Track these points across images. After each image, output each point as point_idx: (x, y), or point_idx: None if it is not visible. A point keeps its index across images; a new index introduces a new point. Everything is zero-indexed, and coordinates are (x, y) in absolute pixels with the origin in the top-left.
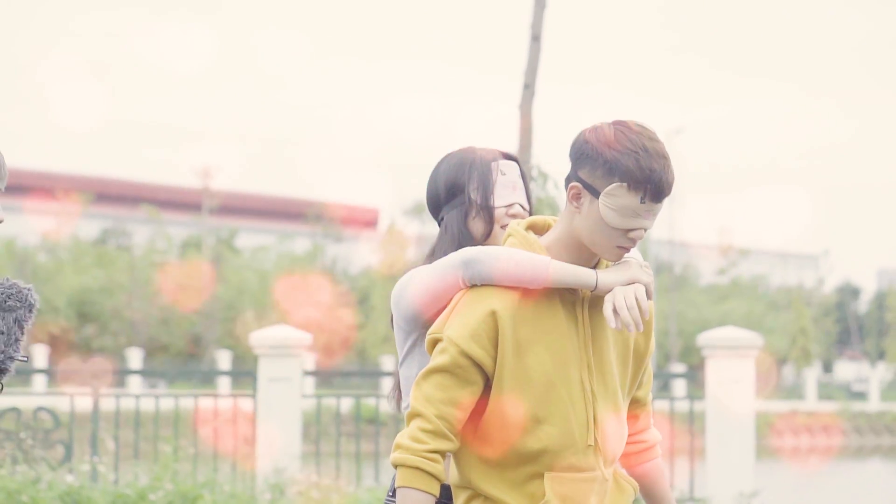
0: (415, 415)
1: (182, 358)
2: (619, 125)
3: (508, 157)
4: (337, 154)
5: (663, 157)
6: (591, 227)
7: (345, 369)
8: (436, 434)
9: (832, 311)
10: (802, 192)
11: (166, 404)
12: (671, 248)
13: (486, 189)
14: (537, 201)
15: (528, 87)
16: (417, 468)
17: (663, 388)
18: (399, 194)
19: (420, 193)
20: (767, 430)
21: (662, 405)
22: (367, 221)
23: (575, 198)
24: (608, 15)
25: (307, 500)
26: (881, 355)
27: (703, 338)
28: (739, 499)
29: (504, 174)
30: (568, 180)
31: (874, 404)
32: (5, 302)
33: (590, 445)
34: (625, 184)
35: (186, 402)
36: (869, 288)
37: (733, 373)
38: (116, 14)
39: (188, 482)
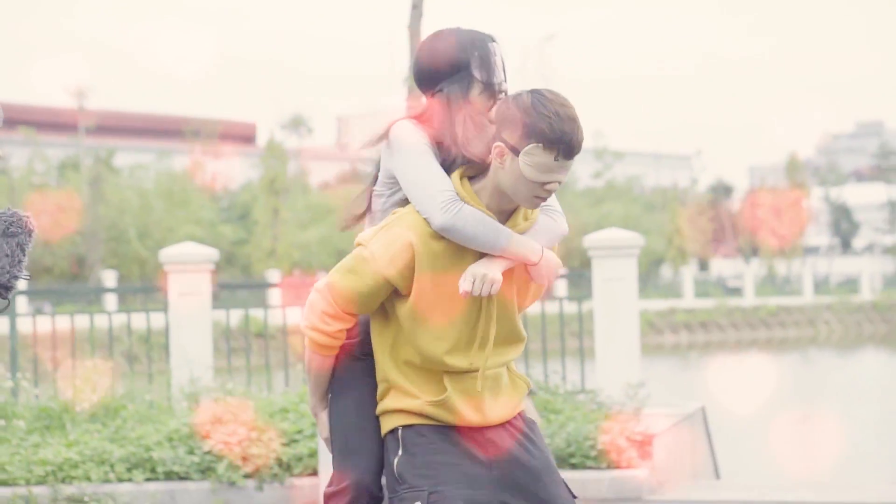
0: (322, 299)
1: (66, 279)
2: (535, 94)
3: (493, 38)
4: (213, 69)
5: (573, 121)
6: (513, 181)
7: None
8: (336, 318)
9: (706, 210)
10: (676, 95)
11: (61, 324)
12: None
13: (489, 68)
14: None
15: (416, 8)
16: (326, 346)
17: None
18: (276, 108)
19: (295, 108)
20: (647, 329)
21: (552, 307)
22: (245, 137)
23: (499, 155)
24: None
25: (222, 406)
26: (755, 252)
27: (588, 240)
28: (627, 389)
29: (495, 55)
30: (492, 140)
31: (749, 299)
32: (8, 228)
33: (483, 352)
34: (540, 144)
35: (82, 322)
36: (741, 186)
37: (617, 272)
38: None
39: (109, 395)
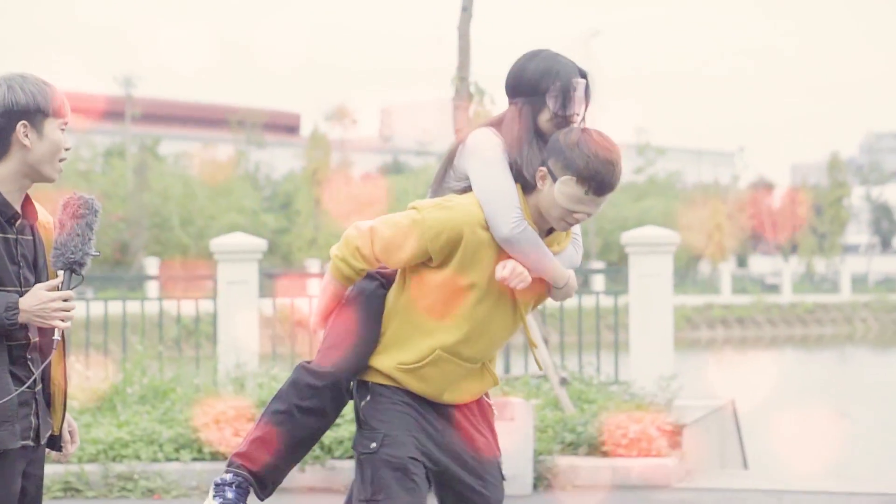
0: (361, 238)
1: (109, 265)
2: (585, 132)
3: (583, 74)
4: (259, 60)
5: (611, 164)
6: (548, 204)
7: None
8: (366, 259)
9: (746, 207)
10: (720, 92)
11: (96, 310)
12: None
13: (566, 101)
14: (475, 115)
15: (466, 10)
16: (348, 277)
17: (583, 284)
18: (320, 99)
19: (340, 99)
20: (684, 324)
21: (589, 300)
22: (289, 127)
23: (541, 178)
24: None
25: (267, 390)
26: (793, 249)
27: (626, 237)
28: (659, 381)
29: (576, 90)
30: (541, 164)
31: (787, 296)
32: (78, 210)
33: (479, 347)
34: (574, 178)
35: (111, 308)
36: (783, 183)
37: (653, 268)
38: None
39: (157, 378)
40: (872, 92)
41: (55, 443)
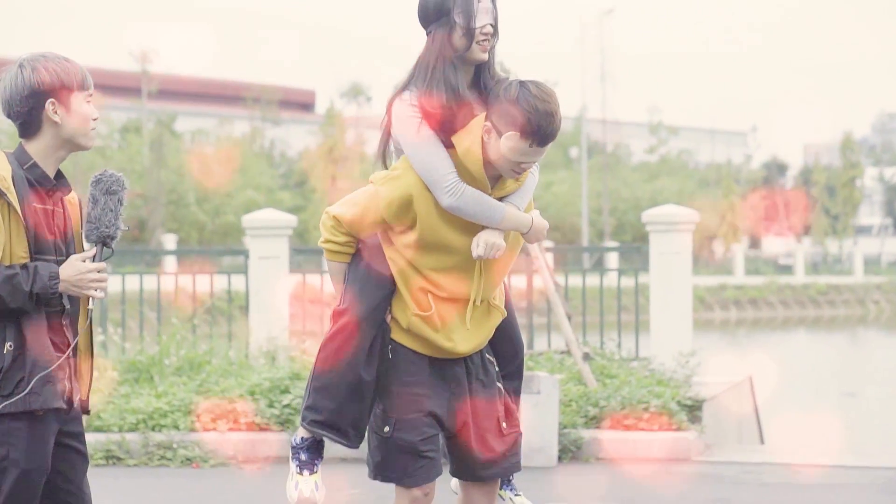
0: (332, 219)
1: (127, 241)
2: (522, 87)
3: None
4: (275, 35)
5: (550, 115)
6: (496, 156)
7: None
8: (343, 233)
9: (759, 188)
10: (732, 71)
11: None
12: (603, 128)
13: (469, 14)
14: None
15: None
16: (338, 252)
17: (598, 262)
18: (335, 76)
19: (355, 76)
20: (698, 305)
21: (610, 279)
22: (304, 104)
23: (487, 132)
24: None
25: (298, 364)
26: (807, 230)
27: (646, 215)
28: (679, 357)
29: (481, 1)
30: (486, 118)
31: (800, 278)
32: (111, 188)
33: (471, 286)
34: (518, 132)
35: (144, 283)
36: (795, 164)
37: (673, 246)
38: None
39: (193, 351)
40: (885, 71)
41: (84, 407)
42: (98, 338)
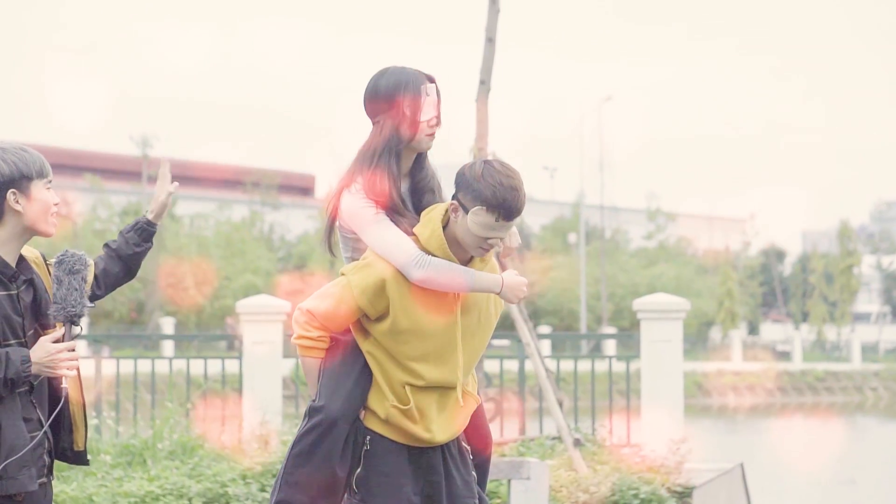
0: (306, 315)
1: (125, 324)
2: (486, 164)
3: (431, 79)
4: (274, 121)
5: (515, 190)
6: (463, 233)
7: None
8: (317, 328)
9: (757, 274)
10: (730, 158)
11: (124, 368)
12: (602, 214)
13: (416, 108)
14: None
15: (484, 84)
16: (312, 348)
17: (595, 348)
18: (335, 161)
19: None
20: (695, 390)
21: (601, 365)
22: (303, 188)
23: (454, 211)
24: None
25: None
26: (805, 317)
27: (637, 303)
28: (670, 444)
29: (428, 95)
30: (452, 198)
31: (797, 364)
32: (73, 267)
33: (449, 372)
34: (484, 207)
35: (139, 366)
36: (794, 251)
37: (664, 334)
38: None
39: (185, 435)
40: (883, 160)
41: (81, 458)
42: (92, 421)
